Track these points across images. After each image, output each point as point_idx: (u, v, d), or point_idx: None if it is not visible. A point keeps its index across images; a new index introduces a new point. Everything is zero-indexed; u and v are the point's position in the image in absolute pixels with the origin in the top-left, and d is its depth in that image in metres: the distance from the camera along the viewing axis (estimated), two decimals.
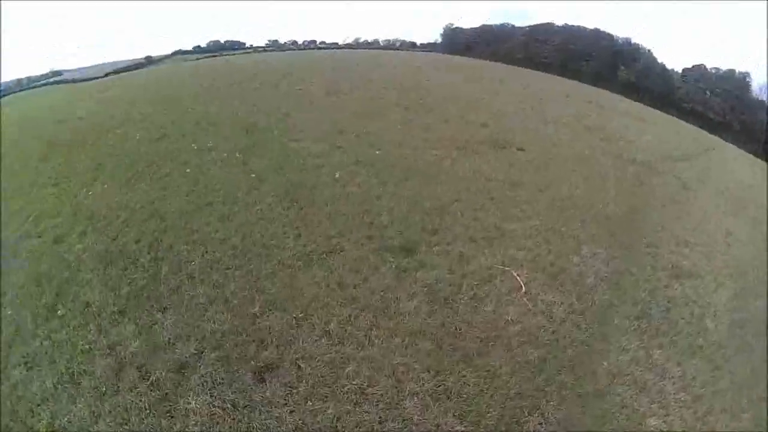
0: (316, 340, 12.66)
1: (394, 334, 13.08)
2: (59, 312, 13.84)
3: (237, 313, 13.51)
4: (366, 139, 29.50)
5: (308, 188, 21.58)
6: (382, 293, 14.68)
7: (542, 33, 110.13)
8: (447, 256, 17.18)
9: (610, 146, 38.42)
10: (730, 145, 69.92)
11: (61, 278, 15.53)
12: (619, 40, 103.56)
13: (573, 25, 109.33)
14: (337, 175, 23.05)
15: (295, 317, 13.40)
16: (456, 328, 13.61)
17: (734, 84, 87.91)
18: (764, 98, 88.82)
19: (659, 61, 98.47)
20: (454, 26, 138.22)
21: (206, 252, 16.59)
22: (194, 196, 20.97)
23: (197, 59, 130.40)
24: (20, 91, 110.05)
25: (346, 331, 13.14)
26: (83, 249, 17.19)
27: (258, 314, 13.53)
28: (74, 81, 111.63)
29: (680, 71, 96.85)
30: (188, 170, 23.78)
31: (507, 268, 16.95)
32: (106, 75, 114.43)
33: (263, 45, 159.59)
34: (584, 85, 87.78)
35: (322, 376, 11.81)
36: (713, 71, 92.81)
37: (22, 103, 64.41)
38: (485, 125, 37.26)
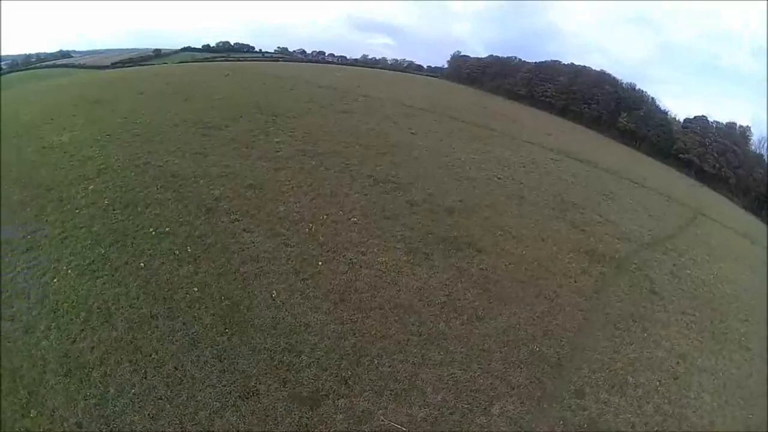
0: None
1: None
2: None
3: None
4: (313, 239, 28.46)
5: (243, 311, 21.77)
6: None
7: (548, 71, 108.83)
8: (349, 412, 17.78)
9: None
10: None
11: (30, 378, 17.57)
12: (624, 85, 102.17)
13: (579, 65, 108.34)
14: (273, 294, 22.89)
15: None
16: None
17: (733, 138, 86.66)
18: (764, 152, 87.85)
19: (662, 108, 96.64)
20: (461, 54, 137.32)
21: (145, 378, 17.90)
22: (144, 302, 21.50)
23: (205, 59, 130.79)
24: (27, 69, 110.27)
25: None
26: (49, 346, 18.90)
27: None
28: (81, 66, 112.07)
29: (681, 121, 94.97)
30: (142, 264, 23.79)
31: (404, 429, 17.37)
32: (113, 65, 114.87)
33: (272, 51, 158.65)
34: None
35: None
36: (714, 124, 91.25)
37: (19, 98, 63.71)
38: None
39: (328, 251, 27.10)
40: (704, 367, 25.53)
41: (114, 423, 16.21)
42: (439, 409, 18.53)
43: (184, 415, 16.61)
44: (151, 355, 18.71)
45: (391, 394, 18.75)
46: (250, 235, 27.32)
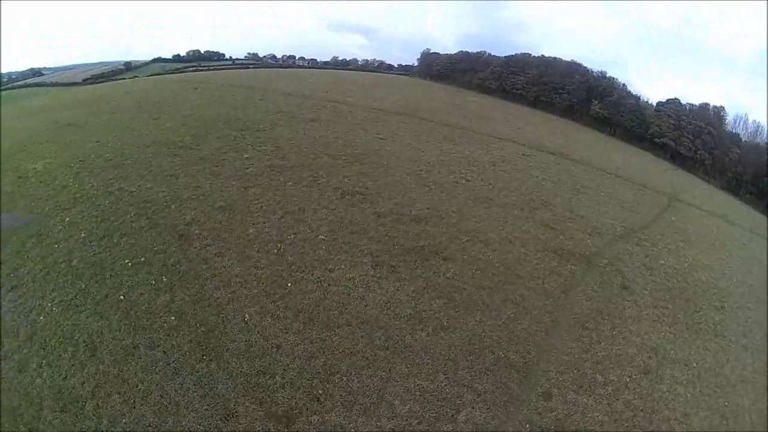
0: None
1: None
2: None
3: None
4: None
5: (219, 336, 22.26)
6: None
7: (518, 64, 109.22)
8: (321, 427, 18.51)
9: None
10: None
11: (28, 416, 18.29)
12: (594, 73, 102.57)
13: (549, 57, 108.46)
14: (246, 317, 23.37)
15: None
16: None
17: (707, 119, 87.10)
18: (738, 130, 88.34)
19: (634, 94, 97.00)
20: (431, 51, 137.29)
21: (134, 407, 18.69)
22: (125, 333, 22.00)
23: (176, 69, 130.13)
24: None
25: None
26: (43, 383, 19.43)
27: None
28: (54, 84, 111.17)
29: (654, 104, 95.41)
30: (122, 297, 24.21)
31: None
32: (85, 81, 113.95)
33: (242, 57, 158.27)
34: None
35: None
36: (687, 106, 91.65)
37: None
38: None
39: (296, 271, 27.20)
40: (677, 359, 25.65)
41: None
42: (407, 420, 19.00)
43: None
44: (137, 386, 19.34)
45: (360, 408, 19.28)
46: (221, 260, 27.48)
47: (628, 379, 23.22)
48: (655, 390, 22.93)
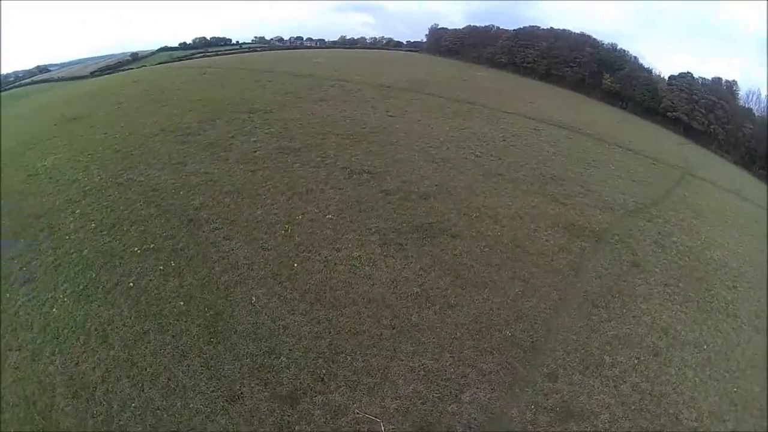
0: None
1: None
2: None
3: None
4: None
5: (226, 319, 22.56)
6: None
7: (527, 37, 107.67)
8: (325, 407, 18.75)
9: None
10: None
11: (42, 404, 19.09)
12: (605, 46, 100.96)
13: (558, 29, 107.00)
14: (253, 299, 23.62)
15: None
16: None
17: (720, 94, 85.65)
18: (752, 105, 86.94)
19: (645, 67, 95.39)
20: (439, 27, 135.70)
21: (143, 391, 19.26)
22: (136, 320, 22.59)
23: (183, 56, 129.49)
24: (5, 89, 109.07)
25: None
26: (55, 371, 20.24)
27: None
28: (61, 79, 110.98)
29: (666, 78, 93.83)
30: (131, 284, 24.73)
31: (377, 420, 18.28)
32: (92, 74, 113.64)
33: (249, 42, 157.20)
34: None
35: None
36: (700, 80, 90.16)
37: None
38: None
39: (303, 251, 27.30)
40: (687, 341, 25.14)
41: None
42: (410, 400, 19.09)
43: (180, 422, 17.95)
44: (146, 369, 19.84)
45: (364, 387, 19.41)
46: (229, 243, 27.73)
47: (636, 361, 22.82)
48: (663, 373, 22.53)
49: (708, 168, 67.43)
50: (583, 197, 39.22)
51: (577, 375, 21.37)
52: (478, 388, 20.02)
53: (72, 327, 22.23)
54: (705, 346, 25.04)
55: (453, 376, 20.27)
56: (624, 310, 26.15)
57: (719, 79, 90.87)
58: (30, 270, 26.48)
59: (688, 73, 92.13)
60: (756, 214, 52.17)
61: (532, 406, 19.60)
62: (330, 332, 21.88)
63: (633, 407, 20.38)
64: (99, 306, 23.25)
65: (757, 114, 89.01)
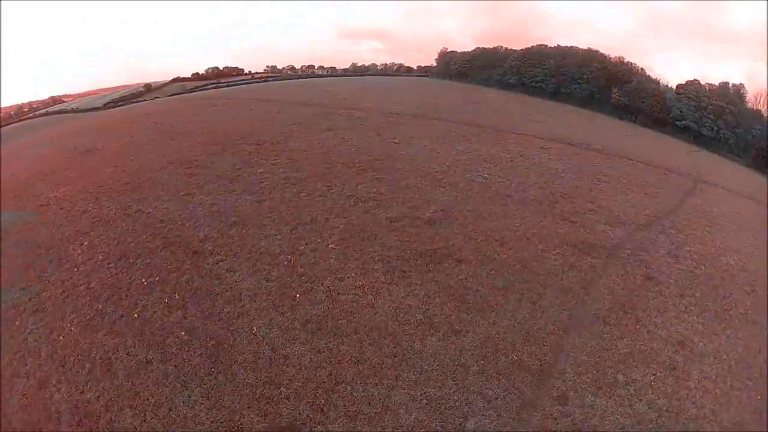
0: None
1: None
2: None
3: None
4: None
5: (228, 349, 22.87)
6: None
7: (535, 56, 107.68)
8: None
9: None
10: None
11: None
12: (612, 60, 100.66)
13: (565, 46, 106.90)
14: (254, 329, 23.84)
15: None
16: None
17: (728, 98, 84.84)
18: (761, 108, 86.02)
19: (653, 78, 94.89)
20: (448, 50, 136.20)
21: (145, 421, 19.58)
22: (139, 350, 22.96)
23: (196, 87, 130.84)
24: (20, 120, 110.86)
25: None
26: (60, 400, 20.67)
27: None
28: (75, 111, 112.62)
29: (674, 88, 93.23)
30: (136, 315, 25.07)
31: None
32: (105, 105, 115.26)
33: (261, 71, 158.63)
34: None
35: None
36: (707, 86, 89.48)
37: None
38: None
39: (306, 281, 27.20)
40: (706, 352, 24.29)
41: None
42: (411, 429, 18.84)
43: None
44: (148, 399, 20.11)
45: (365, 417, 19.23)
46: (233, 275, 27.75)
47: (652, 378, 22.05)
48: (681, 387, 21.76)
49: (720, 174, 66.20)
50: (594, 214, 38.49)
51: (589, 396, 20.73)
52: (483, 415, 19.51)
53: (78, 355, 22.67)
54: (724, 356, 24.16)
55: (457, 404, 19.85)
56: (638, 326, 25.43)
57: (726, 83, 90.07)
58: (40, 300, 26.89)
59: (695, 80, 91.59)
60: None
61: None
62: (330, 362, 21.75)
63: (650, 426, 19.67)
64: (104, 335, 23.72)
65: (765, 115, 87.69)
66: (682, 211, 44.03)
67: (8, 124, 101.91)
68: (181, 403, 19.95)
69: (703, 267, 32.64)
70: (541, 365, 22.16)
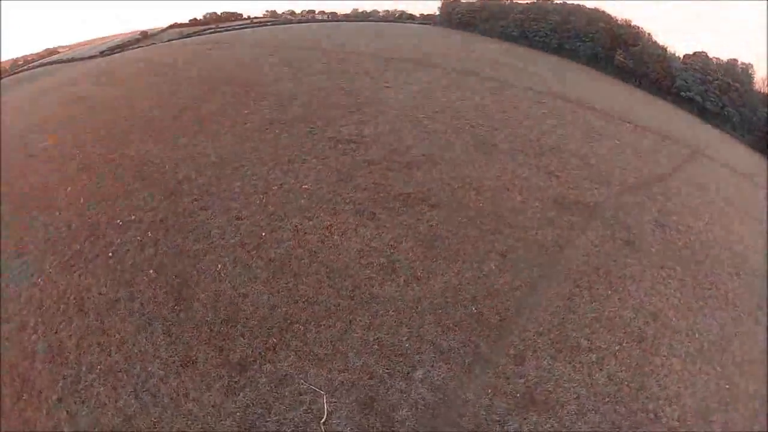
0: None
1: None
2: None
3: None
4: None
5: (192, 287, 23.18)
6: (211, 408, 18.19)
7: (540, 11, 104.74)
8: (272, 376, 19.07)
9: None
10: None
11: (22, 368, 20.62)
12: (619, 21, 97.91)
13: (571, 3, 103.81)
14: (219, 267, 24.22)
15: None
16: None
17: (735, 76, 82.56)
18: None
19: (660, 45, 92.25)
20: (451, 0, 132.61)
21: (110, 356, 20.47)
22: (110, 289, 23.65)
23: (193, 33, 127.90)
24: (14, 73, 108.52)
25: None
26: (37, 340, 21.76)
27: None
28: (71, 60, 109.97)
29: (681, 57, 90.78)
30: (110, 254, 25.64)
31: (321, 392, 18.29)
32: (102, 53, 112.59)
33: (260, 16, 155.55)
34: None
35: None
36: (715, 60, 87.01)
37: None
38: None
39: (275, 220, 27.13)
40: (679, 328, 23.31)
41: (84, 394, 19.06)
42: (358, 374, 18.92)
43: (137, 383, 19.06)
44: (114, 336, 20.97)
45: (314, 358, 19.49)
46: (205, 213, 28.16)
47: (617, 347, 21.21)
48: (647, 362, 20.89)
49: (720, 148, 64.06)
50: (580, 170, 36.92)
51: (547, 359, 20.00)
52: (432, 366, 19.30)
53: (54, 297, 23.44)
54: (697, 336, 23.22)
55: (408, 352, 19.77)
56: (609, 291, 24.41)
57: (735, 60, 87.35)
58: (22, 245, 27.62)
59: (703, 52, 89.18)
60: (764, 198, 49.03)
61: (490, 391, 18.58)
62: (287, 302, 21.89)
63: (606, 399, 18.94)
64: (80, 276, 24.38)
65: None
66: (675, 179, 42.33)
67: (4, 77, 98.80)
68: (144, 339, 20.70)
69: (688, 240, 31.43)
70: (501, 321, 21.36)
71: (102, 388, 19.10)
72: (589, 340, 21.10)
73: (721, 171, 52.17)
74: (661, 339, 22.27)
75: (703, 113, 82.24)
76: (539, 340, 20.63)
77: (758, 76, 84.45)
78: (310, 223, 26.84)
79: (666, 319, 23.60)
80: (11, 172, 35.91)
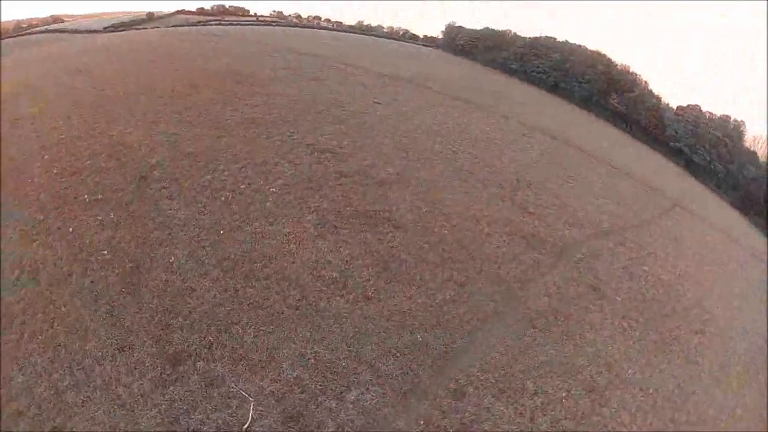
0: None
1: None
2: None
3: None
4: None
5: (143, 273, 22.89)
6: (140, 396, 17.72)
7: (541, 47, 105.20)
8: (204, 374, 18.63)
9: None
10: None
11: None
12: (618, 66, 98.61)
13: (574, 44, 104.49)
14: (172, 259, 23.83)
15: None
16: None
17: (726, 131, 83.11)
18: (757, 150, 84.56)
19: (655, 94, 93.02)
20: (456, 24, 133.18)
21: (52, 327, 20.24)
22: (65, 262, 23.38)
23: (198, 22, 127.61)
24: (17, 36, 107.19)
25: None
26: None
27: None
28: (75, 32, 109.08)
29: (675, 108, 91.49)
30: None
31: (250, 399, 17.78)
32: (105, 29, 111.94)
33: (267, 15, 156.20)
34: None
35: None
36: (708, 114, 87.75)
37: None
38: None
39: (236, 220, 26.76)
40: (633, 381, 22.81)
41: (22, 362, 18.67)
42: (290, 386, 18.40)
43: (73, 360, 18.66)
44: (60, 309, 20.69)
45: (248, 363, 19.02)
46: (170, 203, 27.87)
47: (565, 394, 20.60)
48: (594, 413, 20.36)
49: (702, 204, 64.34)
50: (555, 209, 36.55)
51: (488, 398, 19.42)
52: (367, 389, 18.69)
53: (10, 261, 23.14)
54: (652, 391, 22.68)
55: (344, 371, 19.20)
56: (565, 336, 23.86)
57: (728, 117, 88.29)
58: None
59: (697, 105, 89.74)
60: (742, 259, 49.06)
61: (423, 422, 18.05)
62: (232, 302, 21.52)
63: None
64: (38, 245, 24.09)
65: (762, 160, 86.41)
66: (650, 229, 42.32)
67: (6, 37, 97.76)
68: (87, 317, 20.37)
69: (656, 292, 31.04)
70: (446, 352, 20.78)
71: (40, 359, 18.76)
72: (536, 384, 20.38)
73: (699, 226, 51.94)
74: (612, 390, 21.63)
75: (690, 166, 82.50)
76: (483, 377, 20.01)
77: (749, 134, 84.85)
78: (271, 228, 26.27)
79: (621, 370, 23.06)
80: None
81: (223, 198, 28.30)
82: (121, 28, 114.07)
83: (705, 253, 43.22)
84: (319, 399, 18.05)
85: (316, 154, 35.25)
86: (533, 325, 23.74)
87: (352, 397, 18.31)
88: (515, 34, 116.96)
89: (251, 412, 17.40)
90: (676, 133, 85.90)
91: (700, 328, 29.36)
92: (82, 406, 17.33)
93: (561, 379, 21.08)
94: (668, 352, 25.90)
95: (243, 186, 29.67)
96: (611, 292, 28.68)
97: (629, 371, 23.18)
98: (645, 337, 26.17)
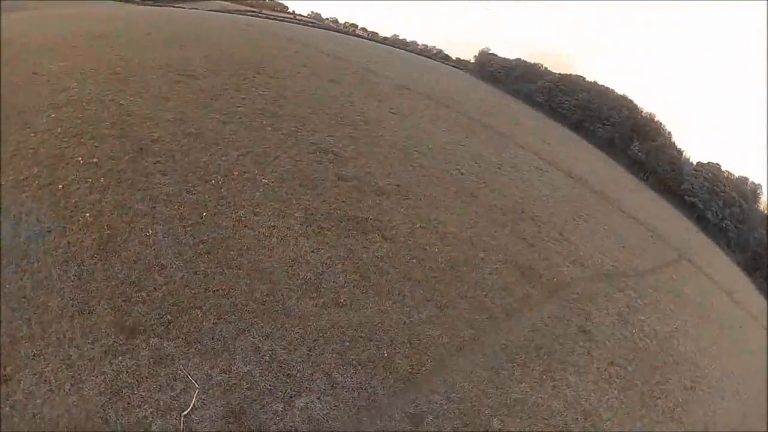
0: None
1: None
2: None
3: None
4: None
5: (118, 241, 22.27)
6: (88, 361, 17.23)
7: (569, 84, 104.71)
8: (154, 352, 18.16)
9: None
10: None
11: None
12: (642, 113, 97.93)
13: (602, 86, 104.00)
14: (149, 232, 23.47)
15: None
16: None
17: (742, 192, 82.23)
18: None
19: (677, 146, 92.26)
20: (489, 51, 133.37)
21: (21, 280, 19.77)
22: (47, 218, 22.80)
23: (236, 11, 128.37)
24: None
25: None
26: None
27: None
28: None
29: (694, 163, 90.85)
30: None
31: (196, 386, 17.19)
32: (143, 1, 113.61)
33: (304, 15, 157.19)
34: None
35: None
36: (726, 173, 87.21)
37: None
38: None
39: (222, 204, 26.11)
40: None
41: None
42: (238, 380, 17.71)
43: (33, 313, 18.32)
44: (33, 263, 20.19)
45: (200, 349, 18.48)
46: (161, 177, 27.06)
47: None
48: None
49: (709, 261, 62.85)
50: (556, 245, 35.51)
51: (447, 429, 18.36)
52: (319, 398, 17.81)
53: None
54: None
55: (297, 375, 18.45)
56: (545, 376, 22.60)
57: (746, 178, 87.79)
58: None
59: (717, 164, 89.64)
60: (742, 321, 48.25)
61: None
62: (199, 286, 20.82)
63: None
64: (26, 197, 23.45)
65: None
66: (653, 278, 41.01)
67: None
68: (55, 274, 19.92)
69: (649, 342, 29.92)
70: (411, 373, 19.80)
71: (4, 306, 18.37)
72: (502, 422, 19.36)
73: (703, 282, 50.77)
74: None
75: (702, 221, 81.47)
76: (446, 407, 19.00)
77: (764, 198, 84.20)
78: (255, 218, 25.78)
79: (598, 419, 21.91)
80: (8, 86, 34.97)
81: (213, 181, 27.76)
82: (158, 3, 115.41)
83: (705, 310, 42.10)
84: (266, 399, 17.37)
85: (318, 153, 34.76)
86: (512, 359, 22.67)
87: (301, 404, 17.65)
88: (546, 68, 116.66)
89: (194, 399, 16.93)
90: (693, 187, 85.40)
91: (691, 384, 28.40)
92: (33, 358, 17.05)
93: (531, 420, 19.98)
94: (652, 407, 24.76)
95: (237, 173, 29.16)
96: (601, 336, 27.61)
97: (607, 422, 21.95)
98: (631, 387, 25.09)
